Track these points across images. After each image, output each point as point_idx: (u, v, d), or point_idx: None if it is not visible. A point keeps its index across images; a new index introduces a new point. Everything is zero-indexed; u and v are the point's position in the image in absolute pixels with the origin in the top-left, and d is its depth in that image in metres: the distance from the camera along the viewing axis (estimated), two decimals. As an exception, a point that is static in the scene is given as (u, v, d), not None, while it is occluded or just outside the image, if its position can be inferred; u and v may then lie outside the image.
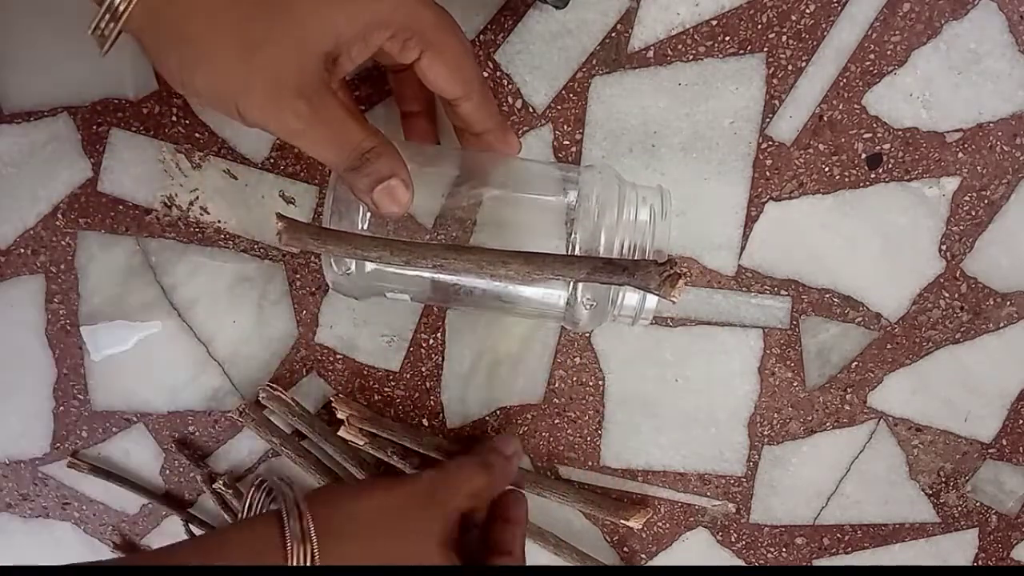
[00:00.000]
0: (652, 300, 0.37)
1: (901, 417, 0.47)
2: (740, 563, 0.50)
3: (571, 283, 0.37)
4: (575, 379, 0.47)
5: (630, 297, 0.37)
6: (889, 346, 0.46)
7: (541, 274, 0.32)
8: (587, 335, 0.46)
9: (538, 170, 0.40)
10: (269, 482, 0.38)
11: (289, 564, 0.30)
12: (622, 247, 0.36)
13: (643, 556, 0.51)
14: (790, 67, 0.42)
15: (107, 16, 0.26)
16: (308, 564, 0.30)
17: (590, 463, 0.49)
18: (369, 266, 0.37)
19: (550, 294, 0.38)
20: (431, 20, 0.30)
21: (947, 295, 0.45)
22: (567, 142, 0.43)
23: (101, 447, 0.50)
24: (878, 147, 0.43)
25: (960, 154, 0.43)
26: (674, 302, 0.31)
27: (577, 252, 0.36)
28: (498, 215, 0.37)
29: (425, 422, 0.49)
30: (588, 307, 0.37)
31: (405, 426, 0.48)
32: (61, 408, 0.49)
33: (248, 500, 0.40)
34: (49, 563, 0.49)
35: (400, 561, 0.33)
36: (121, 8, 0.26)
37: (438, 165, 0.38)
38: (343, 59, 0.29)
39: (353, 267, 0.37)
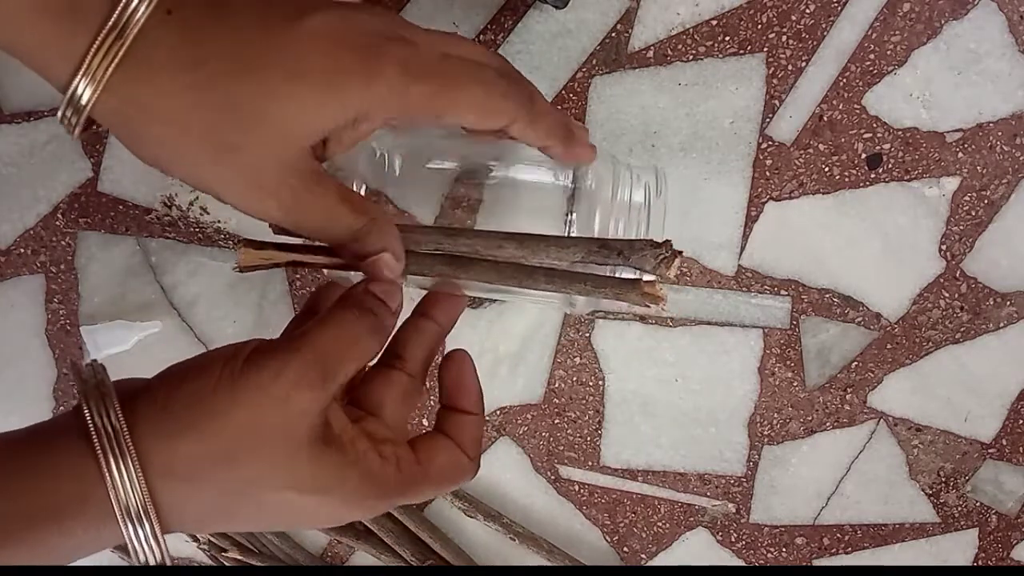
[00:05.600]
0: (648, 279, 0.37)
1: (901, 417, 0.47)
2: (740, 563, 0.50)
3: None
4: (575, 379, 0.47)
5: (625, 274, 0.37)
6: (889, 346, 0.46)
7: (535, 257, 0.31)
8: (587, 335, 0.46)
9: (537, 154, 0.40)
10: (77, 370, 0.28)
11: (115, 509, 0.24)
12: (617, 225, 0.36)
13: (643, 556, 0.51)
14: (790, 67, 0.42)
15: (70, 109, 0.24)
16: (139, 509, 0.24)
17: (590, 463, 0.49)
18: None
19: None
20: (428, 92, 0.26)
21: (947, 295, 0.45)
22: (567, 142, 0.43)
23: (101, 447, 0.50)
24: (878, 147, 0.43)
25: (960, 154, 0.43)
26: (673, 280, 0.30)
27: (574, 233, 0.36)
28: (500, 201, 0.37)
29: (425, 422, 0.49)
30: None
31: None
32: (61, 408, 0.49)
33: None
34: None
35: (260, 484, 0.25)
36: (83, 101, 0.24)
37: (437, 162, 0.38)
38: (332, 144, 0.27)
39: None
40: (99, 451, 0.24)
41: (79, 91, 0.24)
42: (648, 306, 0.31)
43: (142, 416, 0.25)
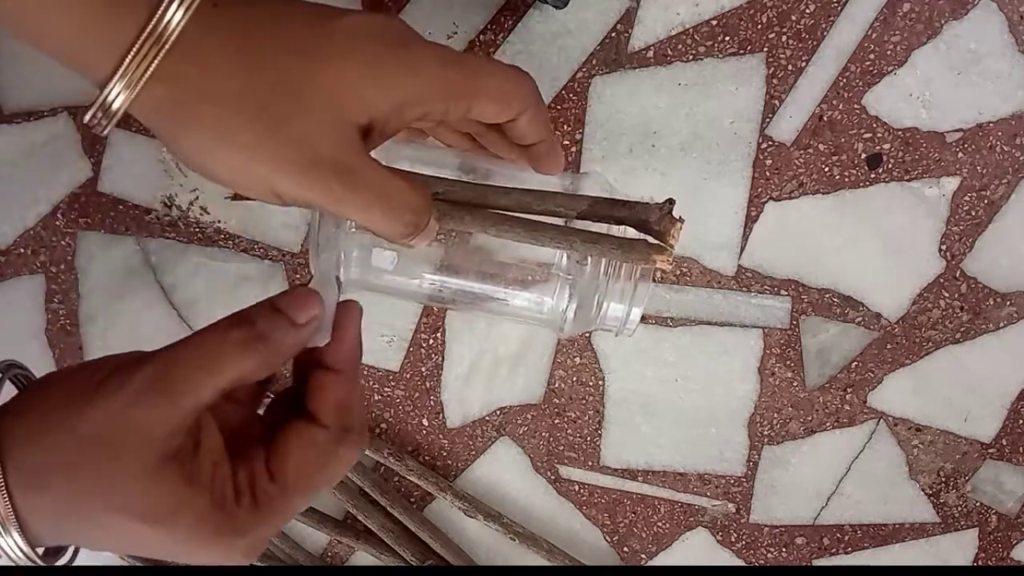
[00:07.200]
0: (636, 312, 0.36)
1: (901, 417, 0.47)
2: (740, 563, 0.50)
3: (555, 291, 0.37)
4: (575, 379, 0.47)
5: (615, 308, 0.37)
6: (889, 346, 0.46)
7: (541, 205, 0.31)
8: (587, 335, 0.46)
9: (537, 178, 0.40)
10: None
11: None
12: (607, 263, 0.36)
13: (643, 556, 0.51)
14: (790, 67, 0.42)
15: (99, 113, 0.24)
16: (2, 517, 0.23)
17: (590, 463, 0.49)
18: (354, 271, 0.37)
19: (535, 299, 0.38)
20: (462, 77, 0.28)
21: (947, 295, 0.45)
22: (567, 142, 0.43)
23: (101, 447, 0.50)
24: (878, 147, 0.43)
25: (960, 154, 0.43)
26: (672, 247, 0.30)
27: (564, 262, 0.36)
28: None
29: (425, 422, 0.49)
30: (570, 297, 0.36)
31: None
32: (61, 408, 0.49)
33: None
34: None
35: (99, 497, 0.23)
36: (115, 106, 0.24)
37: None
38: (375, 134, 0.27)
39: (341, 271, 0.37)
40: None
41: (119, 87, 0.24)
42: (655, 261, 0.30)
43: (8, 423, 0.24)
